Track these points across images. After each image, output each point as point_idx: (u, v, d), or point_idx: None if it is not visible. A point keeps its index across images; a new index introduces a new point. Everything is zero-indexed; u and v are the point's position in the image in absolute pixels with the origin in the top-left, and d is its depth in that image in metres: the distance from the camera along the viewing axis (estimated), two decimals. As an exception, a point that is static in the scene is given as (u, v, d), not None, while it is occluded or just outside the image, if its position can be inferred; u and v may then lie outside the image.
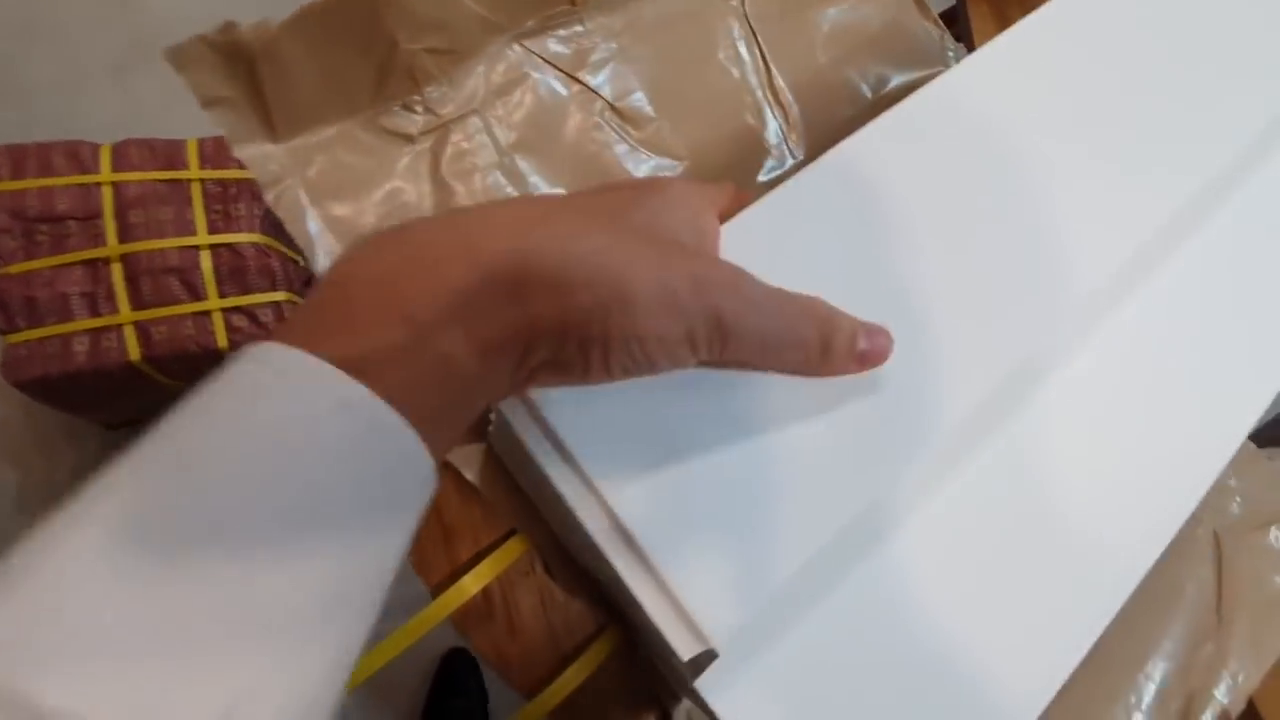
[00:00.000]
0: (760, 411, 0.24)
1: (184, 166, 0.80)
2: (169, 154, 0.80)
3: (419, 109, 0.40)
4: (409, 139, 0.40)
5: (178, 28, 1.10)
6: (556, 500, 0.22)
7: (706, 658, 0.20)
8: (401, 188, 0.40)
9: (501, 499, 0.37)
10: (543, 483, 0.22)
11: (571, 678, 0.36)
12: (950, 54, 0.51)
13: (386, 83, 0.39)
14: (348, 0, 0.35)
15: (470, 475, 0.37)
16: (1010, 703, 0.26)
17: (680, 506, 0.21)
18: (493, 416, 0.33)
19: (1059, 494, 0.31)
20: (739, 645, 0.20)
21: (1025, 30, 0.38)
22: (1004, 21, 0.93)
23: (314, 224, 0.38)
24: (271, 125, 0.37)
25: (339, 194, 0.39)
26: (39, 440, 0.90)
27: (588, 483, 0.20)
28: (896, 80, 0.50)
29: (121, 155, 0.79)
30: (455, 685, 0.93)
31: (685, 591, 0.20)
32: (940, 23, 0.51)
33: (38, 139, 0.97)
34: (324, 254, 0.37)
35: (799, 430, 0.25)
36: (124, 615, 0.12)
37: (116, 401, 0.84)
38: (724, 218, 0.27)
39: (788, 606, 0.22)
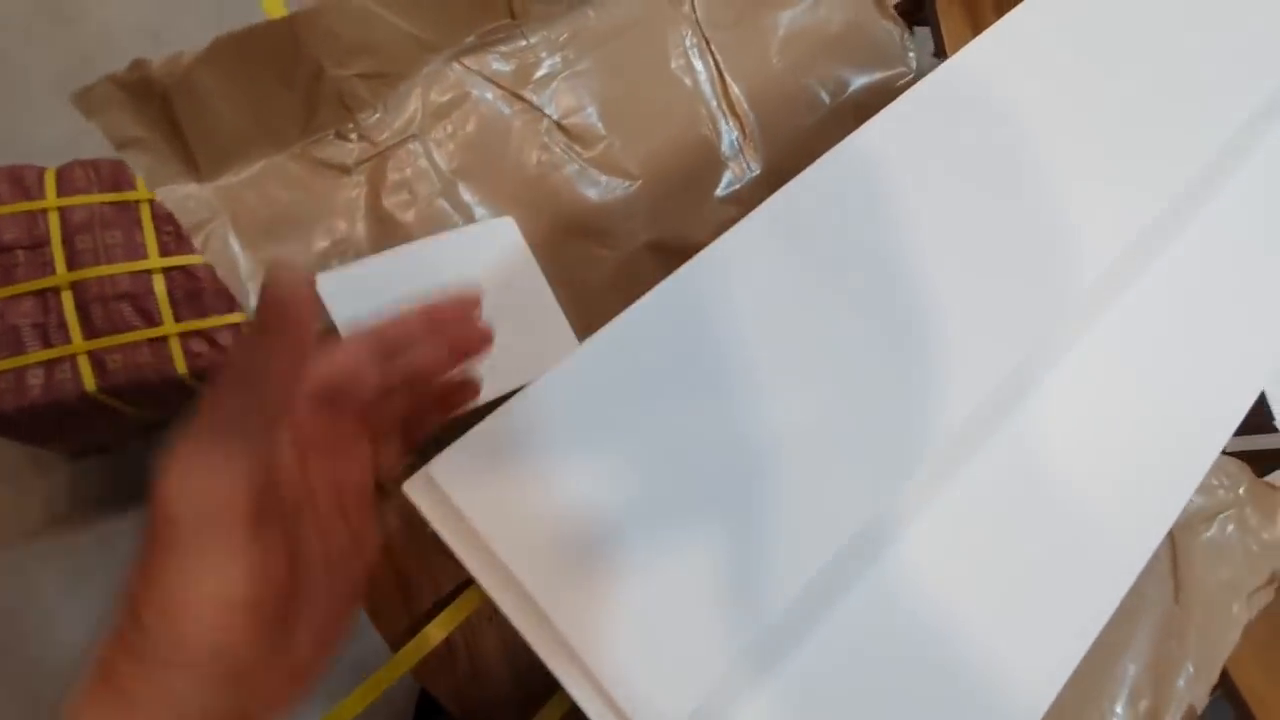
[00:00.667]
0: (707, 471, 0.23)
1: (131, 187, 0.77)
2: (115, 175, 0.77)
3: (353, 137, 0.38)
4: (345, 170, 0.38)
5: (120, 41, 1.06)
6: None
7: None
8: (340, 223, 0.38)
9: (456, 546, 0.36)
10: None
11: (538, 725, 0.35)
12: (911, 54, 0.49)
13: (316, 112, 0.37)
14: (265, 27, 0.33)
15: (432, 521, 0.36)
16: (1020, 699, 0.26)
17: (609, 586, 0.20)
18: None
19: (1058, 491, 0.30)
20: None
21: (1010, 26, 0.36)
22: (975, 19, 0.92)
23: (247, 266, 0.36)
24: (194, 164, 0.35)
25: (273, 233, 0.37)
26: (5, 472, 0.88)
27: (505, 570, 0.19)
28: (856, 83, 0.48)
29: (66, 179, 0.76)
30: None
31: (618, 688, 0.18)
32: (900, 21, 0.49)
33: (-18, 160, 0.94)
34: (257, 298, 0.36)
35: (764, 476, 0.24)
36: None
37: (77, 432, 0.82)
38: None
39: (768, 649, 0.21)
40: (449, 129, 0.40)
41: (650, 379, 0.24)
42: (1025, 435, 0.31)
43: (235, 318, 0.76)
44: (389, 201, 0.39)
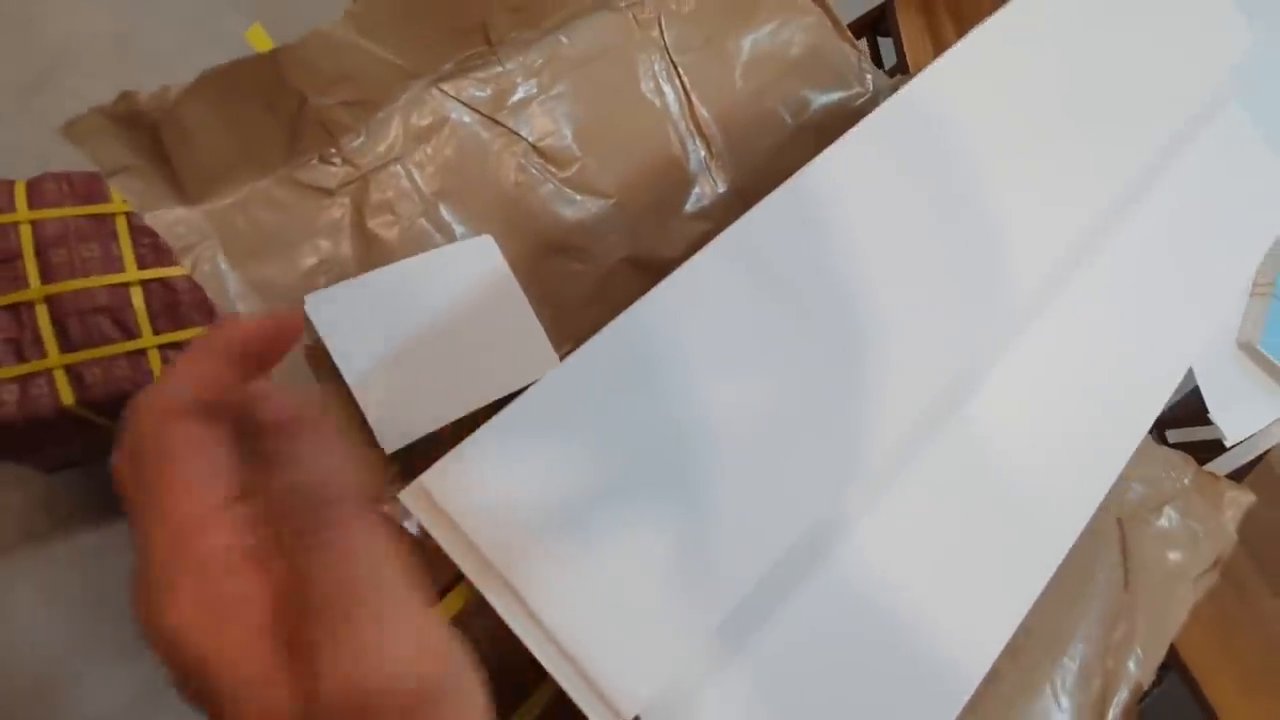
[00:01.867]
0: (674, 466, 0.26)
1: (105, 200, 0.77)
2: (88, 188, 0.77)
3: (336, 161, 0.40)
4: (328, 192, 0.40)
5: (83, 49, 1.04)
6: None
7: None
8: (325, 244, 0.40)
9: (443, 551, 0.37)
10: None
11: (527, 712, 0.37)
12: (868, 76, 0.52)
13: (299, 138, 0.39)
14: (248, 62, 0.35)
15: (410, 525, 0.37)
16: (964, 664, 0.28)
17: (586, 582, 0.22)
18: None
19: (999, 476, 0.34)
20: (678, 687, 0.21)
21: (956, 58, 0.39)
22: (934, 30, 0.96)
23: (236, 287, 0.38)
24: (182, 189, 0.37)
25: (260, 254, 0.38)
26: (-27, 490, 0.87)
27: (493, 570, 0.21)
28: (817, 103, 0.51)
29: (37, 191, 0.76)
30: None
31: (597, 668, 0.21)
32: (856, 44, 0.52)
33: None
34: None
35: (722, 474, 0.26)
36: None
37: (54, 446, 0.81)
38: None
39: (734, 635, 0.23)
40: (429, 152, 0.42)
41: (622, 393, 0.26)
42: (970, 428, 0.34)
43: (214, 329, 0.77)
44: (373, 222, 0.40)
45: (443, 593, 0.38)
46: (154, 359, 0.75)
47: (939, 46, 0.95)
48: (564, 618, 0.21)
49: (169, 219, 0.36)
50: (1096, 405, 0.38)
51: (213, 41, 1.08)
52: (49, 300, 0.73)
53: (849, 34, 0.52)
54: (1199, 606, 0.87)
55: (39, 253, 0.74)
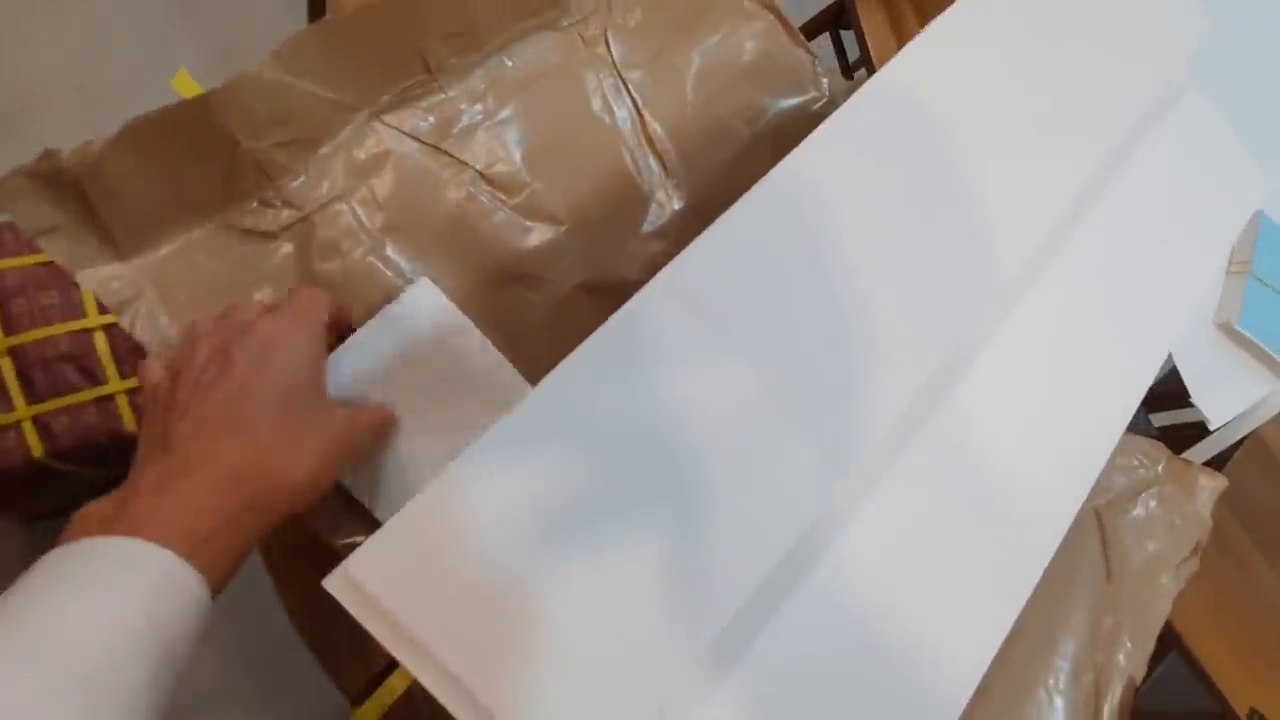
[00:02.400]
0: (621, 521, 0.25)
1: (65, 245, 0.75)
2: (47, 234, 0.76)
3: (276, 203, 0.39)
4: (271, 236, 0.39)
5: (41, 93, 1.03)
6: None
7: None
8: (270, 289, 0.38)
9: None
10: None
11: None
12: (824, 80, 0.51)
13: (236, 182, 0.37)
14: (174, 109, 0.34)
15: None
16: (957, 673, 0.28)
17: (532, 667, 0.21)
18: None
19: (985, 476, 0.33)
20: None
21: (916, 51, 0.38)
22: (897, 26, 0.95)
23: (176, 339, 0.36)
24: (114, 244, 0.36)
25: (204, 303, 0.37)
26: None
27: (442, 667, 0.20)
28: (772, 110, 0.50)
29: (-6, 241, 0.74)
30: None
31: None
32: (810, 48, 0.51)
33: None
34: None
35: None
36: None
37: (29, 498, 0.80)
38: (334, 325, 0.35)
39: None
40: (373, 187, 0.41)
41: (565, 447, 0.25)
42: (953, 427, 0.33)
43: (183, 370, 0.76)
44: (319, 264, 0.39)
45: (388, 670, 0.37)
46: (122, 403, 0.74)
47: (902, 38, 0.95)
48: (508, 702, 0.20)
49: (101, 275, 0.35)
50: (1077, 398, 0.37)
51: (170, 75, 1.07)
52: (11, 352, 0.72)
53: (801, 38, 0.51)
54: (1199, 586, 0.87)
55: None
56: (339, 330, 0.36)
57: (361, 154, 0.41)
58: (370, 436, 0.34)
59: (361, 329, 0.37)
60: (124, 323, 0.36)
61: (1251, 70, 0.68)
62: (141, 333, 0.36)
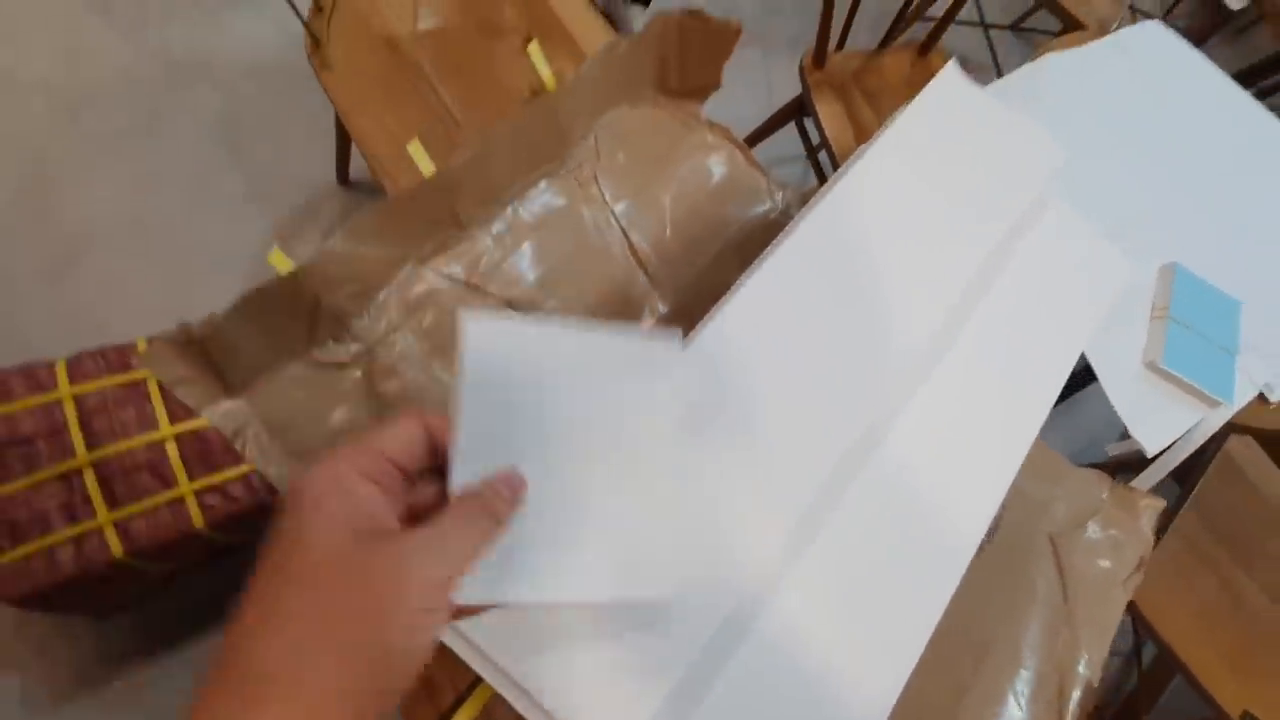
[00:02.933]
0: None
1: (137, 367, 0.86)
2: (121, 359, 0.86)
3: (347, 339, 0.49)
4: (343, 365, 0.49)
5: (99, 231, 1.16)
6: None
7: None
8: (344, 407, 0.48)
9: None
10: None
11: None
12: (778, 194, 0.62)
13: (317, 329, 0.48)
14: (273, 284, 0.44)
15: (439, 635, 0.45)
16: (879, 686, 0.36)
17: (570, 666, 0.30)
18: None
19: (899, 523, 0.41)
20: None
21: (844, 191, 0.48)
22: (853, 115, 1.08)
23: (277, 454, 0.46)
24: (228, 386, 0.46)
25: (294, 424, 0.47)
26: (33, 644, 0.93)
27: (504, 674, 0.29)
28: (736, 222, 0.61)
29: (77, 368, 0.85)
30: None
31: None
32: (764, 169, 0.62)
33: (-16, 355, 1.02)
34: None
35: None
36: None
37: (104, 595, 0.88)
38: (423, 450, 0.27)
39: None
40: (420, 319, 0.51)
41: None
42: (875, 482, 0.41)
43: (244, 467, 0.85)
44: (381, 385, 0.49)
45: (469, 690, 0.45)
46: (191, 503, 0.83)
47: (856, 124, 1.07)
48: (555, 693, 0.29)
49: (220, 411, 0.45)
50: (976, 451, 0.45)
51: (214, 204, 1.21)
52: (95, 465, 0.82)
53: (756, 160, 0.62)
54: (1185, 598, 0.93)
55: (82, 423, 0.83)
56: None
57: (410, 295, 0.51)
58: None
59: (592, 331, 0.32)
60: (236, 444, 0.46)
61: (1100, 183, 0.81)
62: (250, 452, 0.46)
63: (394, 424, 0.26)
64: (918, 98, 0.51)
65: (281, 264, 0.46)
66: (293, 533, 0.23)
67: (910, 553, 0.40)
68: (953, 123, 0.51)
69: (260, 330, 0.45)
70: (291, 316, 0.46)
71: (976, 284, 0.48)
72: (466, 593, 0.25)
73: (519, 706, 0.31)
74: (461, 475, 0.27)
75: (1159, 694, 1.13)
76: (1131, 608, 0.90)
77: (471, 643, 0.31)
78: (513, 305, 0.53)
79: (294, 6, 0.83)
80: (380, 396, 0.49)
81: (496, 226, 0.54)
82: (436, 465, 0.27)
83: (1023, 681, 0.55)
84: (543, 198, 0.56)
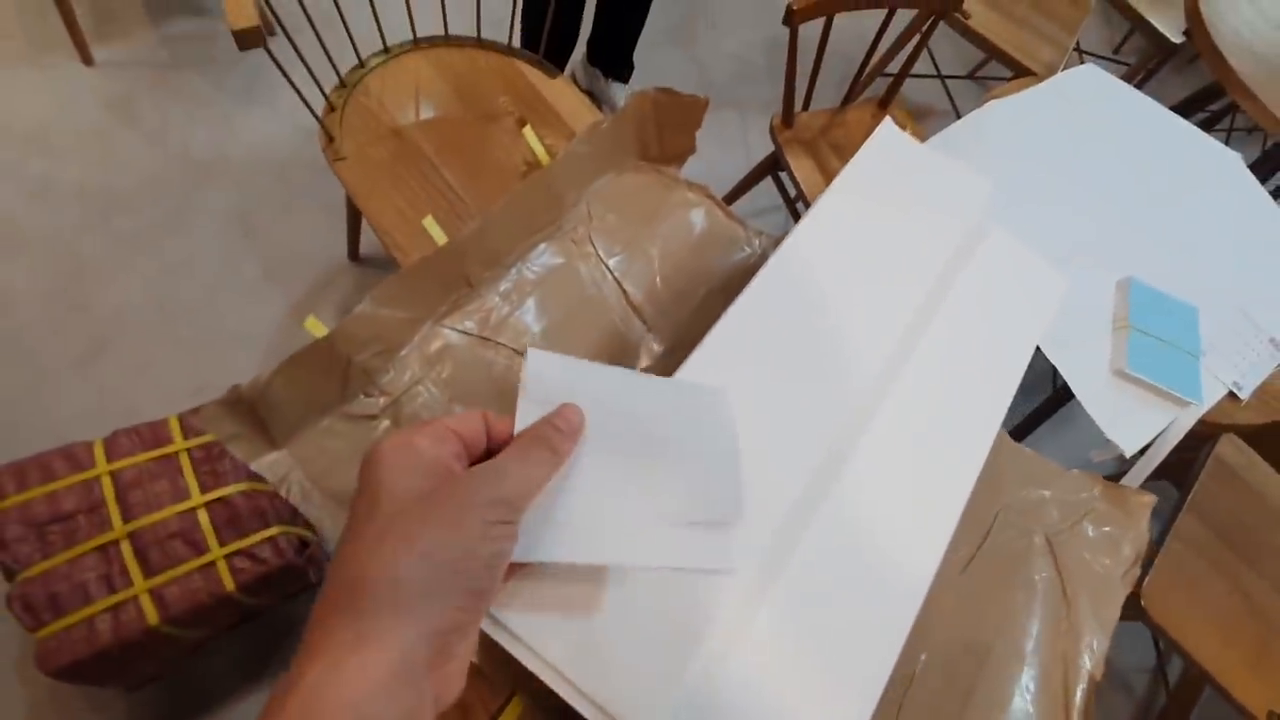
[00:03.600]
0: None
1: (170, 442, 0.92)
2: (155, 435, 0.92)
3: (375, 393, 0.55)
4: (373, 416, 0.54)
5: (126, 319, 1.25)
6: None
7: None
8: (374, 455, 0.53)
9: (498, 668, 0.48)
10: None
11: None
12: (755, 240, 0.69)
13: (348, 385, 0.54)
14: (310, 347, 0.50)
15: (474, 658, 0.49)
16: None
17: (599, 650, 0.34)
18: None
19: (861, 548, 0.44)
20: None
21: (807, 229, 0.54)
22: (823, 167, 1.17)
23: (319, 499, 0.51)
24: (271, 439, 0.51)
25: (332, 472, 0.52)
26: (64, 715, 0.95)
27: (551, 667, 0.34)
28: (719, 268, 0.67)
29: (114, 446, 0.91)
30: None
31: (613, 706, 0.33)
32: (743, 221, 0.69)
33: (19, 441, 1.08)
34: (330, 523, 0.50)
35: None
36: None
37: (138, 665, 0.91)
38: (484, 441, 0.31)
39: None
40: (440, 371, 0.57)
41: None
42: (835, 512, 0.44)
43: (271, 531, 0.89)
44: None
45: (500, 711, 0.49)
46: (222, 567, 0.87)
47: (826, 175, 1.16)
48: (590, 677, 0.33)
49: (266, 462, 0.51)
50: (931, 473, 0.48)
51: (233, 289, 1.29)
52: (131, 536, 0.86)
53: (733, 213, 0.69)
54: (1198, 603, 0.95)
55: (119, 497, 0.88)
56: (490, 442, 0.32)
57: (429, 350, 0.57)
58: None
59: (650, 376, 0.38)
60: (281, 491, 0.51)
61: (1049, 216, 0.89)
62: (294, 497, 0.51)
63: (460, 413, 0.30)
64: (859, 151, 0.58)
65: (317, 330, 0.52)
66: (372, 484, 0.27)
67: (871, 580, 0.43)
68: (891, 169, 0.58)
69: (300, 389, 0.51)
70: (326, 376, 0.52)
71: (924, 308, 0.53)
72: (520, 550, 0.28)
73: (565, 694, 0.35)
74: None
75: (1190, 709, 1.13)
76: (1149, 622, 0.92)
77: (517, 637, 0.35)
78: (521, 354, 0.59)
79: (310, 108, 0.92)
80: (406, 443, 0.54)
81: (503, 285, 0.61)
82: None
83: (1028, 678, 0.58)
84: (543, 258, 0.63)
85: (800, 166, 1.15)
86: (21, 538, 0.84)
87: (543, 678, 0.35)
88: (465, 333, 0.58)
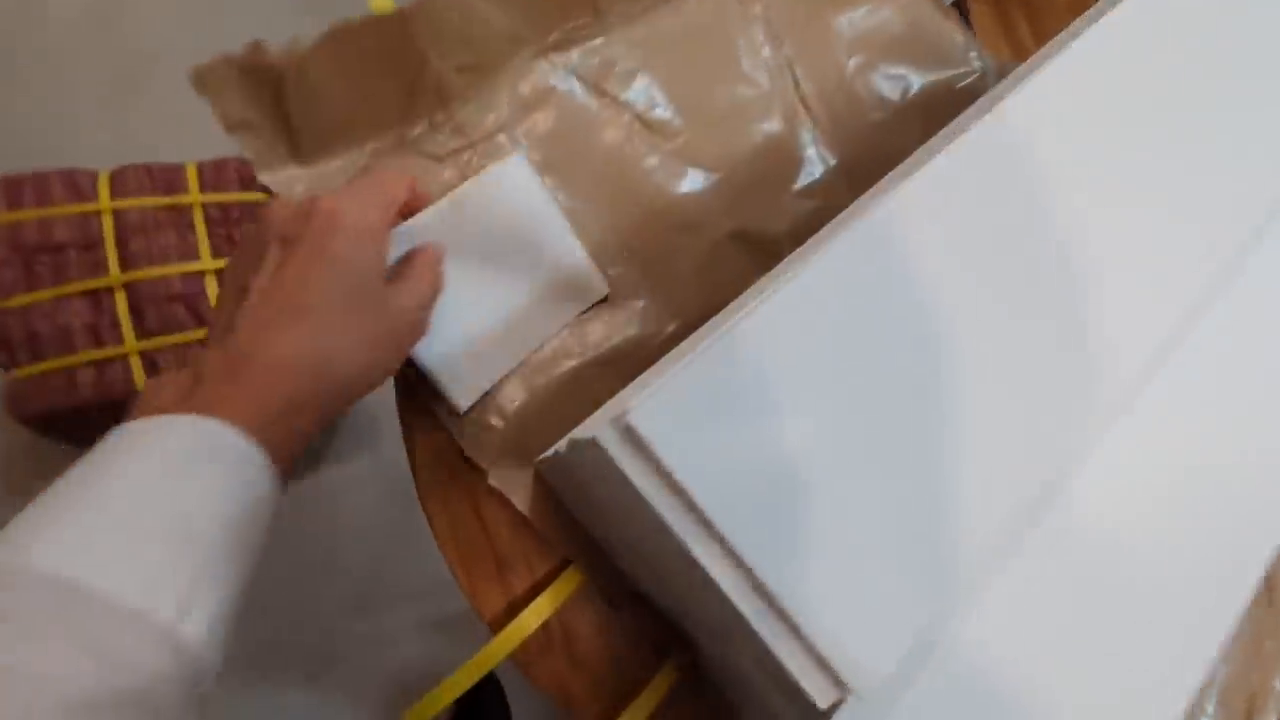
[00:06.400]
0: (887, 441, 0.23)
1: (184, 191, 0.78)
2: (168, 179, 0.78)
3: (446, 128, 0.39)
4: (437, 159, 0.39)
5: (161, 54, 1.08)
6: (660, 538, 0.20)
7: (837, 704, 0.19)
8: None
9: (554, 528, 0.36)
10: (640, 518, 0.21)
11: (638, 711, 0.34)
12: (973, 55, 0.50)
13: (414, 102, 0.38)
14: (380, 19, 0.34)
15: (520, 504, 0.36)
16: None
17: (807, 542, 0.20)
18: (554, 449, 0.31)
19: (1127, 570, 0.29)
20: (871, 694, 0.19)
21: (1061, 68, 0.34)
22: (1006, 24, 0.93)
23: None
24: (298, 149, 0.36)
25: (368, 218, 0.37)
26: (45, 474, 0.88)
27: (705, 522, 0.19)
28: (921, 82, 0.49)
29: (120, 182, 0.77)
30: (480, 708, 0.91)
31: (819, 633, 0.19)
32: (963, 24, 0.50)
33: (26, 168, 0.95)
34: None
35: (927, 458, 0.23)
36: None
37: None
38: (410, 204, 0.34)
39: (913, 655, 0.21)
40: (535, 122, 0.41)
41: (839, 334, 0.23)
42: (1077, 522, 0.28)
43: (284, 319, 0.77)
44: (479, 191, 0.39)
45: (547, 579, 0.36)
46: (225, 347, 0.75)
47: (1009, 36, 0.93)
48: (784, 577, 0.19)
49: (283, 178, 0.36)
50: (1220, 500, 0.32)
51: (283, 27, 1.11)
52: (127, 287, 0.74)
53: (953, 13, 0.51)
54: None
55: (119, 241, 0.75)
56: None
57: (526, 88, 0.41)
58: (425, 317, 0.32)
59: (440, 201, 0.35)
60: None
61: None
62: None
63: (400, 177, 0.33)
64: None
65: (382, 4, 0.36)
66: (329, 257, 0.28)
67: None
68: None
69: (350, 82, 0.36)
70: (389, 73, 0.37)
71: (1213, 280, 0.33)
72: (463, 397, 0.36)
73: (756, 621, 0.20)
74: (404, 235, 0.33)
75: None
76: None
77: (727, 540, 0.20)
78: (648, 126, 0.43)
79: None
80: (476, 206, 0.39)
81: (639, 29, 0.44)
82: None
83: (1203, 695, 0.45)
84: (695, 8, 0.45)
85: (981, 15, 0.93)
86: (5, 261, 0.72)
87: (716, 576, 0.20)
88: (581, 77, 0.42)
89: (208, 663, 0.22)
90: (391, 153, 0.38)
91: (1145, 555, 0.28)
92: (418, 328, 0.31)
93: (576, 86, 0.42)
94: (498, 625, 0.35)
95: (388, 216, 0.30)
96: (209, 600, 0.22)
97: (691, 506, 0.19)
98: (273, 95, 0.34)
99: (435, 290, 0.32)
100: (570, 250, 0.38)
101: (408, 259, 0.32)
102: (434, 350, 0.35)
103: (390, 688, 0.96)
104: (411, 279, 0.31)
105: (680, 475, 0.19)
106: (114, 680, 0.18)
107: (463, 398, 0.36)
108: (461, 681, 0.33)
